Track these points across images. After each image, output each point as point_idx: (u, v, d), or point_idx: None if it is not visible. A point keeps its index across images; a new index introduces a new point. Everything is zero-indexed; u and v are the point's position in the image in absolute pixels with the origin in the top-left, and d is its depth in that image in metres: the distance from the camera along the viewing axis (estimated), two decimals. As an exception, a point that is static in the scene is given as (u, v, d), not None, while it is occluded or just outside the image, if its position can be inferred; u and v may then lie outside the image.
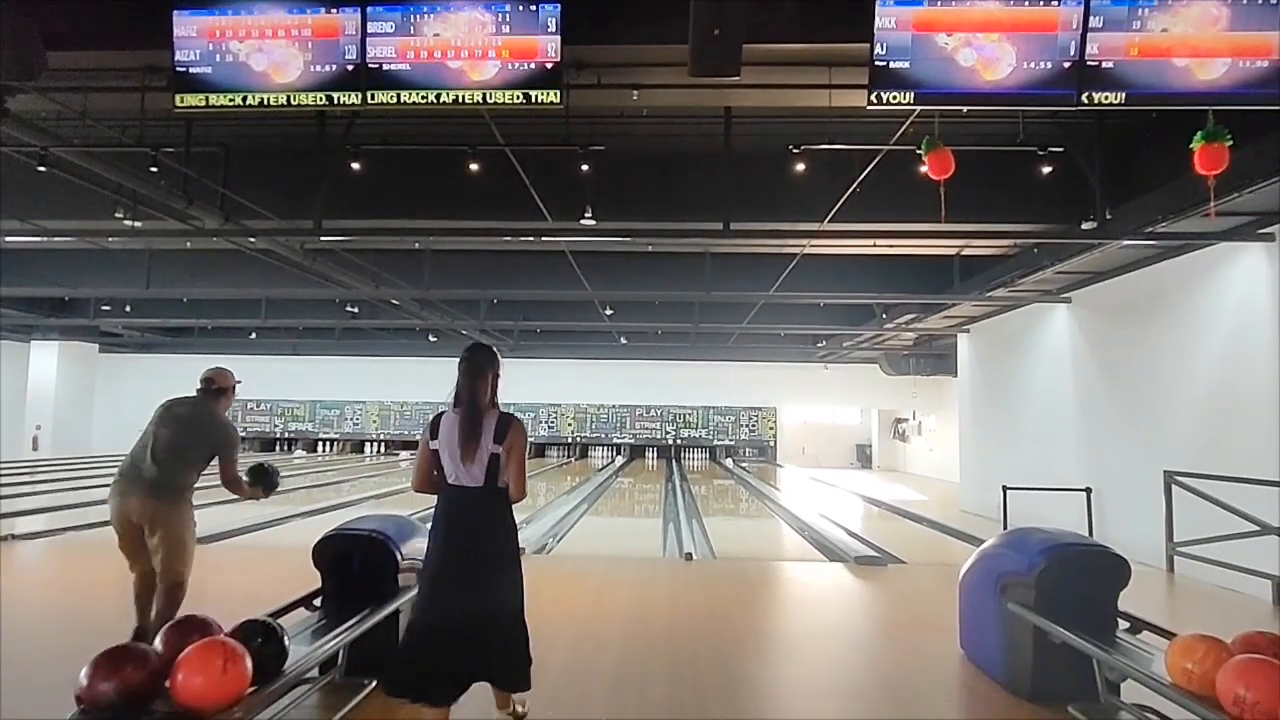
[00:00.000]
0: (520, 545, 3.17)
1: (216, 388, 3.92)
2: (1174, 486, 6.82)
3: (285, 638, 2.59)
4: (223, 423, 3.89)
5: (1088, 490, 9.09)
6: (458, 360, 2.87)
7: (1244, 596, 5.83)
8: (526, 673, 2.89)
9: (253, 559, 6.96)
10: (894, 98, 4.21)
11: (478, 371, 2.84)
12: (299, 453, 23.86)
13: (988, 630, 3.76)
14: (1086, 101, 4.13)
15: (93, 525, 8.82)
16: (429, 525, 2.89)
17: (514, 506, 2.90)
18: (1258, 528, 5.89)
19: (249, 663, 2.28)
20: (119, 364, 22.62)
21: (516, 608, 2.88)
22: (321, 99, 4.51)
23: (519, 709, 3.08)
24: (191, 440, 3.71)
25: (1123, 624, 3.43)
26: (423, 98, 4.43)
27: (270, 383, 23.43)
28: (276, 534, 8.83)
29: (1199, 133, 4.29)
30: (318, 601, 3.52)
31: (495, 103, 4.42)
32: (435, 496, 2.87)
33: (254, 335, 18.04)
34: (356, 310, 14.93)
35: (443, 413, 2.86)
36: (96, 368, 22.02)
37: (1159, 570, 6.76)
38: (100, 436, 21.70)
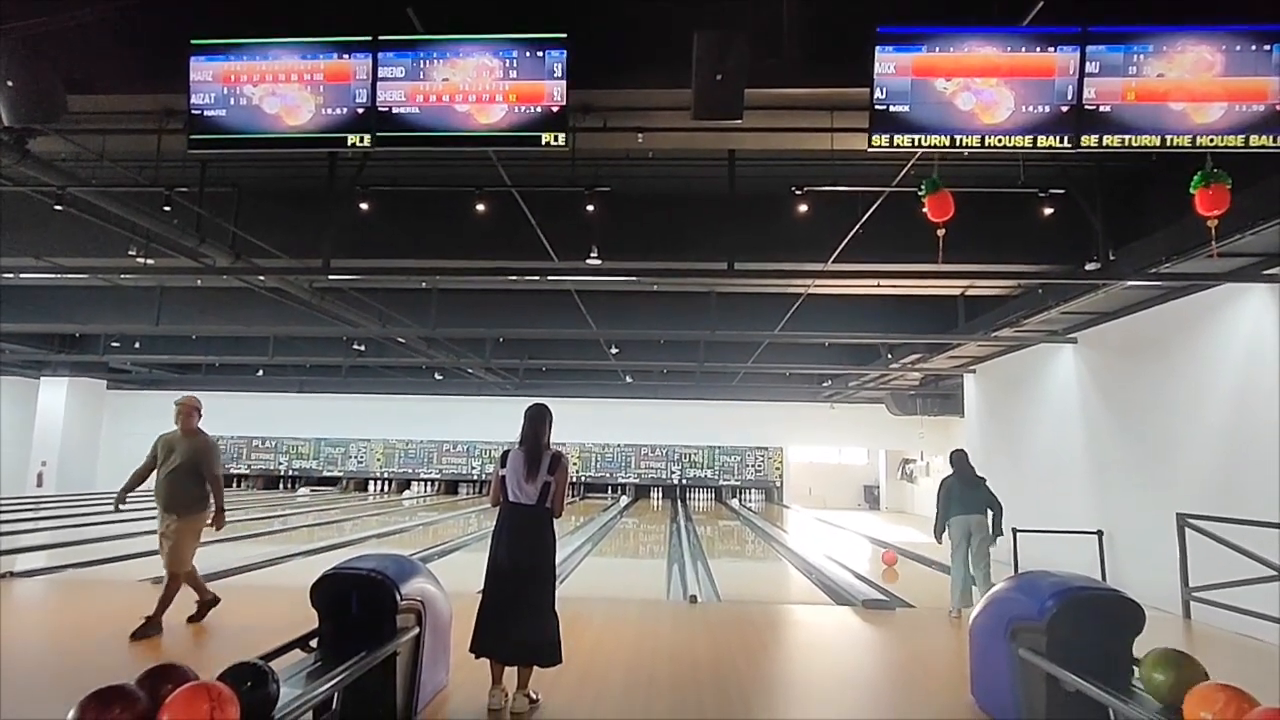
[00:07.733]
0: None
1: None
2: (1187, 529, 6.70)
3: (276, 681, 2.53)
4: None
5: (1099, 533, 8.93)
6: (524, 414, 3.97)
7: (1263, 643, 5.68)
8: (558, 652, 3.74)
9: (251, 598, 6.86)
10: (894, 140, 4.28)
11: (540, 422, 3.95)
12: (303, 490, 23.75)
13: (999, 677, 3.66)
14: (1083, 144, 4.18)
15: (92, 563, 8.77)
16: (492, 534, 3.88)
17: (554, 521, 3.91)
18: (1275, 572, 5.77)
19: (237, 707, 2.23)
20: (125, 401, 22.68)
21: (550, 599, 3.79)
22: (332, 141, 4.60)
23: (533, 694, 3.72)
24: None
25: (1138, 671, 3.33)
26: (431, 140, 4.52)
27: (276, 420, 23.51)
28: (275, 573, 8.73)
29: (1198, 175, 4.33)
30: (315, 642, 3.45)
31: (502, 145, 4.51)
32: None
33: (261, 372, 18.10)
34: (363, 348, 15.01)
35: (509, 450, 3.94)
36: (104, 404, 22.06)
37: (1175, 616, 6.60)
38: (105, 474, 21.63)
